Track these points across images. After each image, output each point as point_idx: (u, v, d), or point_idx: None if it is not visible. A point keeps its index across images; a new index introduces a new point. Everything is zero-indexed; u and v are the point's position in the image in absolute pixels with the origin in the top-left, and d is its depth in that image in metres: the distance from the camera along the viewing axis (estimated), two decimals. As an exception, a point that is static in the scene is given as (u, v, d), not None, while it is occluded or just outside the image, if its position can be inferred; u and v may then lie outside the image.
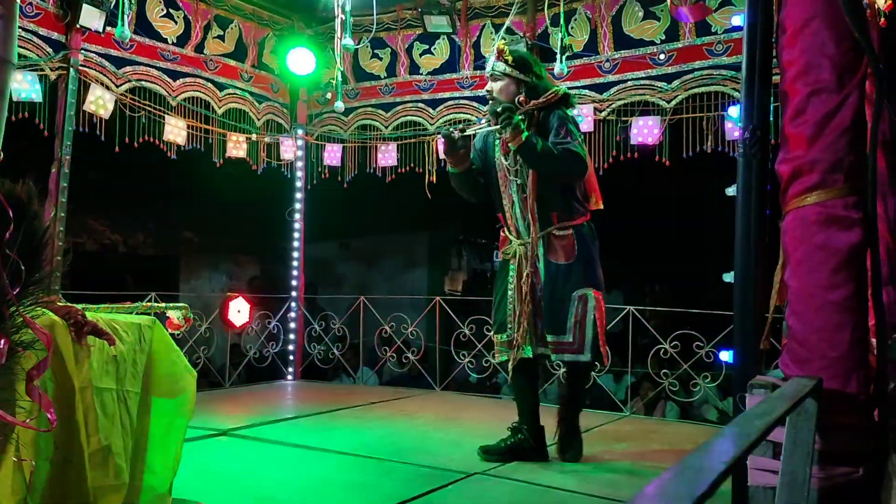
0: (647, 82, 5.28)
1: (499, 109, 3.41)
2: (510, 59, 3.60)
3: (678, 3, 3.16)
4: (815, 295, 1.19)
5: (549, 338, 3.52)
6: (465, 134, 3.61)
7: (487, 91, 3.69)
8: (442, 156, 4.88)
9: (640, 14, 5.27)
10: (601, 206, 3.73)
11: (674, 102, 5.16)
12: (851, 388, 1.24)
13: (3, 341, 1.57)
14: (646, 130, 5.24)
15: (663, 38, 5.20)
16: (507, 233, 3.72)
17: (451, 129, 3.62)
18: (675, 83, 5.16)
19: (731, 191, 1.37)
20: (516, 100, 3.55)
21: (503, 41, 3.90)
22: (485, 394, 6.45)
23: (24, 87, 4.60)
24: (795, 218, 1.22)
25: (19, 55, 4.59)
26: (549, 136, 3.48)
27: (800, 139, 1.19)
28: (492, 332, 3.77)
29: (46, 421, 1.73)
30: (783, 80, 1.24)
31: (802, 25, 1.18)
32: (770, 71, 1.24)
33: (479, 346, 5.79)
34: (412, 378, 7.02)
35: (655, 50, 5.24)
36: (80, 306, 2.30)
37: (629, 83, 5.33)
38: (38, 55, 4.74)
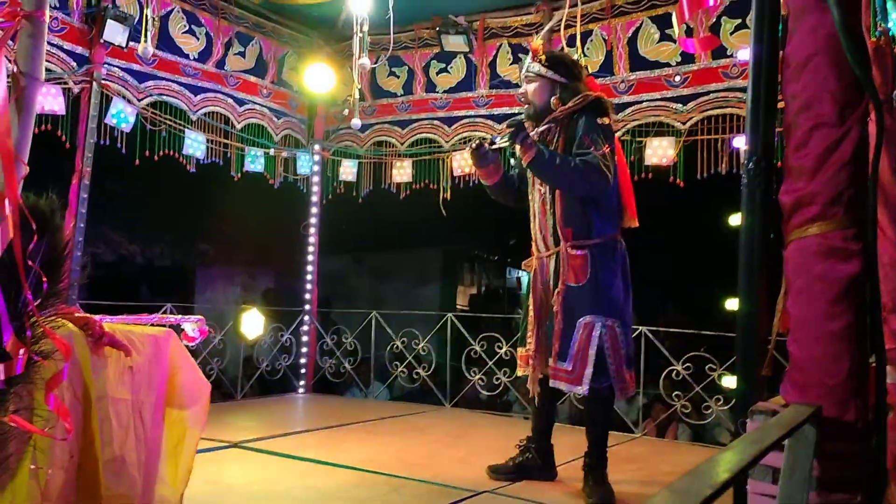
0: (662, 103, 5.31)
1: (507, 125, 3.33)
2: (544, 58, 3.42)
3: (685, 35, 3.22)
4: (815, 324, 1.21)
5: (549, 361, 3.35)
6: (494, 147, 3.50)
7: (521, 94, 3.55)
8: (473, 168, 4.80)
9: (656, 36, 5.30)
10: (635, 224, 3.52)
11: (689, 124, 5.18)
12: (849, 415, 1.25)
13: (21, 351, 1.60)
14: (660, 151, 5.25)
15: (679, 59, 5.23)
16: (533, 245, 3.59)
17: (481, 141, 3.51)
18: (691, 105, 5.18)
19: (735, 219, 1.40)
20: (551, 102, 3.39)
21: (540, 40, 3.69)
22: (495, 411, 6.44)
23: (48, 99, 4.69)
24: (797, 248, 1.24)
25: (45, 69, 4.68)
26: (573, 148, 3.30)
27: (801, 171, 1.22)
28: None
29: (63, 430, 1.77)
30: (787, 113, 1.27)
31: (806, 61, 1.20)
32: (775, 103, 1.27)
33: (490, 363, 5.79)
34: (423, 394, 7.02)
35: (671, 72, 5.27)
36: (97, 317, 2.34)
37: (644, 104, 5.35)
38: (62, 69, 4.83)
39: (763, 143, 1.23)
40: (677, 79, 5.24)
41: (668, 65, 5.27)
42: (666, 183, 5.28)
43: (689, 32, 4.88)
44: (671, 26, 5.23)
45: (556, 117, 3.38)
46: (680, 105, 5.23)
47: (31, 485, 1.86)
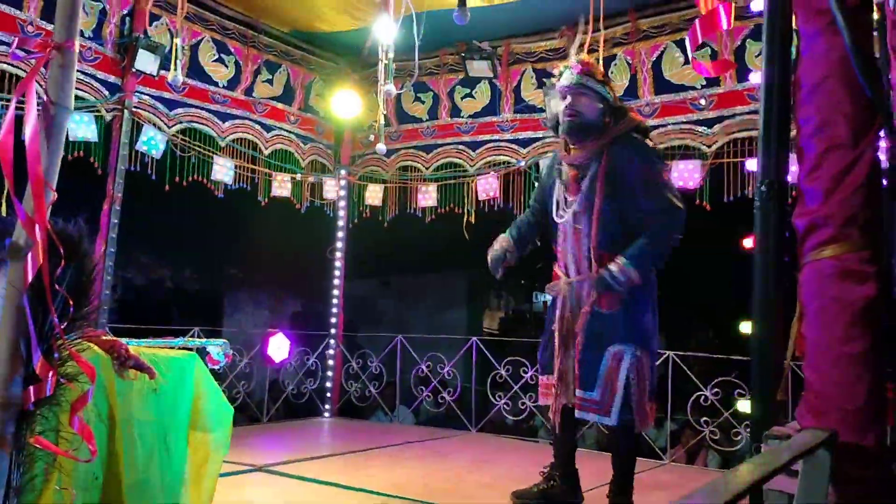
0: (687, 126, 5.29)
1: (595, 288, 3.20)
2: (597, 73, 3.30)
3: (699, 59, 3.20)
4: (832, 347, 1.19)
5: (577, 392, 3.21)
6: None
7: (568, 106, 3.28)
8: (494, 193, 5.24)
9: (681, 59, 5.29)
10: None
11: (714, 147, 5.14)
12: (868, 441, 1.22)
13: (50, 374, 1.63)
14: (686, 174, 5.22)
15: (704, 83, 5.21)
16: (557, 268, 3.45)
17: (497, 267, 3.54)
18: (716, 128, 5.15)
19: (748, 243, 1.39)
20: (602, 119, 3.24)
21: (588, 55, 3.61)
22: (521, 436, 6.38)
23: (81, 127, 4.81)
24: (812, 271, 1.23)
25: (77, 97, 4.81)
26: (625, 177, 3.16)
27: (815, 194, 1.21)
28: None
29: (87, 452, 1.79)
30: (799, 135, 1.26)
31: (818, 83, 1.20)
32: (787, 125, 1.26)
33: (516, 387, 5.75)
34: (448, 418, 6.98)
35: (696, 94, 5.25)
36: (124, 340, 2.37)
37: (669, 127, 5.33)
38: (94, 97, 4.95)
39: (775, 166, 1.22)
40: (702, 102, 5.22)
41: (693, 88, 5.26)
42: (693, 206, 5.24)
43: (712, 56, 4.88)
44: (696, 49, 5.23)
45: (602, 138, 3.23)
46: (705, 128, 5.20)
47: (56, 506, 1.88)
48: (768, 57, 1.24)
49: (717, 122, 5.14)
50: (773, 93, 1.23)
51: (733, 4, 2.24)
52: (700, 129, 5.23)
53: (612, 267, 3.11)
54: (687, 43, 2.37)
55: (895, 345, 1.29)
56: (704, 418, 5.03)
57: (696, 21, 1.24)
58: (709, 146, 5.17)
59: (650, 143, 3.32)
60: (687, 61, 5.25)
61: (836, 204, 1.19)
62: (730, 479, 0.90)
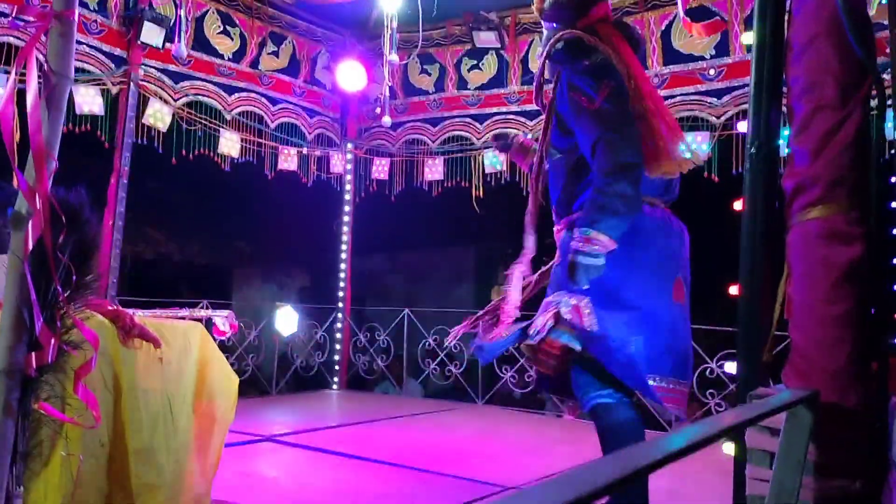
0: (696, 97, 5.23)
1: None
2: (540, 7, 2.65)
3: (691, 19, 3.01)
4: (816, 308, 1.19)
5: None
6: (507, 142, 3.11)
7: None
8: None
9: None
10: (671, 169, 2.44)
11: (723, 118, 5.10)
12: (849, 401, 1.23)
13: (52, 341, 1.64)
14: (695, 146, 5.17)
15: (713, 53, 5.15)
16: None
17: (496, 141, 3.25)
18: (726, 98, 5.10)
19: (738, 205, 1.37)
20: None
21: None
22: (529, 409, 6.41)
23: (87, 101, 4.81)
24: (799, 232, 1.22)
25: (84, 70, 4.81)
26: (560, 109, 2.56)
27: (803, 154, 1.20)
28: None
29: (92, 418, 1.81)
30: (789, 96, 1.25)
31: (807, 44, 1.18)
32: (779, 87, 1.25)
33: (522, 360, 5.77)
34: (456, 391, 7.02)
35: (705, 65, 5.19)
36: (129, 311, 2.39)
37: (678, 98, 5.28)
38: (100, 70, 4.95)
39: (766, 128, 1.21)
40: (712, 72, 5.17)
41: (702, 58, 5.20)
42: (701, 178, 5.20)
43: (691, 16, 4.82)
44: (705, 18, 5.16)
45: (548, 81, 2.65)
46: (715, 99, 5.15)
47: (64, 472, 1.92)
48: (760, 16, 1.23)
49: (727, 94, 5.09)
50: (764, 53, 1.21)
51: None
52: (709, 99, 5.17)
53: (575, 242, 2.36)
54: (679, 3, 2.27)
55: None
56: (710, 391, 5.05)
57: None
58: (717, 117, 5.12)
59: (589, 61, 2.47)
60: (699, 29, 5.19)
61: (823, 165, 1.18)
62: (710, 423, 0.91)
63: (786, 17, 1.22)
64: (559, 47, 2.54)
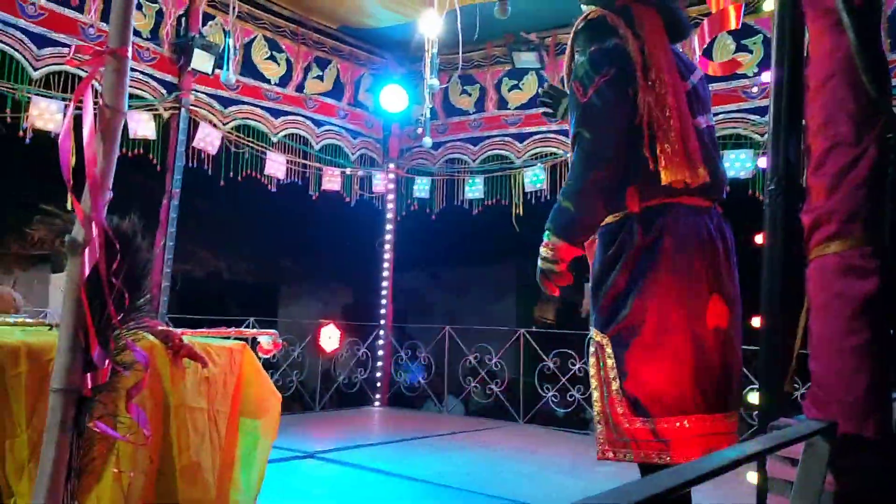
0: (739, 115, 5.20)
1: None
2: None
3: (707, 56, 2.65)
4: (834, 340, 1.19)
5: None
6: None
7: None
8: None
9: (732, 47, 5.20)
10: (685, 177, 2.14)
11: (767, 136, 5.04)
12: (868, 430, 1.22)
13: (107, 362, 1.72)
14: (738, 164, 5.13)
15: (756, 70, 5.11)
16: None
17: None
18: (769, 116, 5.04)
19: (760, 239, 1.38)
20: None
21: None
22: (572, 429, 6.38)
23: (140, 125, 4.99)
24: (817, 266, 1.23)
25: (137, 96, 5.00)
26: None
27: (820, 190, 1.21)
28: None
29: (142, 436, 1.89)
30: (806, 133, 1.27)
31: (823, 82, 1.20)
32: (798, 125, 1.27)
33: (563, 379, 5.76)
34: (498, 409, 7.02)
35: (748, 83, 5.15)
36: (178, 331, 2.48)
37: (720, 116, 5.24)
38: (153, 96, 5.14)
39: (785, 163, 1.23)
40: (755, 90, 5.12)
41: (744, 76, 5.16)
42: (745, 196, 5.15)
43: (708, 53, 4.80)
44: (748, 37, 5.13)
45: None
46: (757, 117, 5.10)
47: (115, 487, 2.00)
48: (778, 55, 1.25)
49: (770, 111, 5.03)
50: (782, 90, 1.24)
51: (743, 4, 2.18)
52: (752, 117, 5.13)
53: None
54: (695, 42, 2.11)
55: None
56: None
57: (705, 20, 1.22)
58: (761, 135, 5.07)
59: (596, 47, 2.27)
60: (739, 49, 5.17)
61: (838, 200, 1.19)
62: (730, 451, 0.93)
63: (804, 57, 1.24)
64: (579, 28, 2.34)
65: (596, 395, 2.21)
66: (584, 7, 2.41)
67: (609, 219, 2.26)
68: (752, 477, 1.34)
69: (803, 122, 1.28)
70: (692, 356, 2.07)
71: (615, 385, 2.16)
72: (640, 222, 2.19)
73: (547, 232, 2.25)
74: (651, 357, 2.10)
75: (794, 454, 1.14)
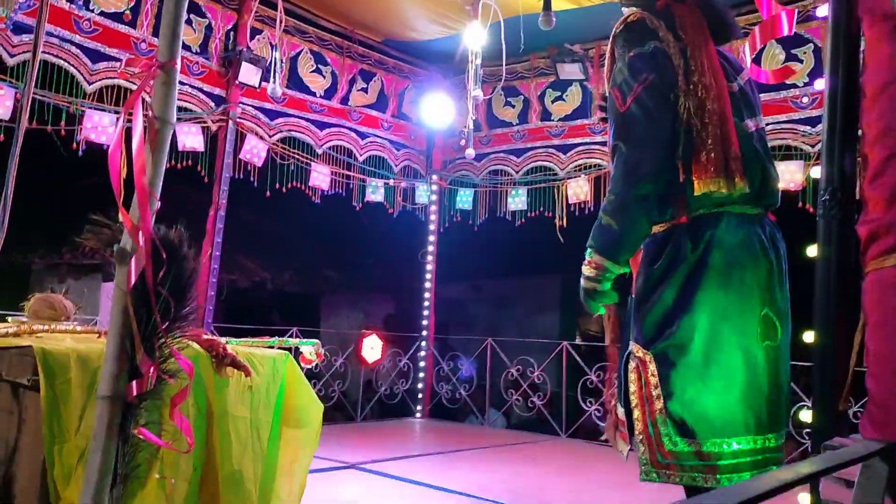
0: (788, 126, 5.08)
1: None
2: None
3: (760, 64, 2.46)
4: (893, 358, 1.13)
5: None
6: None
7: None
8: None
9: (782, 56, 5.09)
10: (717, 189, 2.06)
11: (818, 146, 4.91)
12: None
13: (152, 370, 1.75)
14: (787, 175, 5.01)
15: (807, 80, 4.99)
16: None
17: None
18: (819, 127, 4.91)
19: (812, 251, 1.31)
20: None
21: None
22: (614, 444, 6.26)
23: (189, 138, 5.10)
24: (874, 279, 1.17)
25: (186, 109, 5.11)
26: None
27: (878, 201, 1.16)
28: None
29: (185, 443, 1.91)
30: (863, 143, 1.22)
31: (881, 90, 1.15)
32: (854, 134, 1.22)
33: (607, 393, 5.66)
34: (540, 422, 6.95)
35: (798, 92, 5.04)
36: (222, 340, 2.51)
37: (770, 127, 5.12)
38: (201, 109, 5.24)
39: (839, 174, 1.18)
40: (805, 100, 5.01)
41: (794, 86, 5.04)
42: (795, 209, 5.02)
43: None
44: (798, 46, 5.02)
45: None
46: (808, 127, 4.98)
47: (158, 493, 2.02)
48: (832, 62, 1.21)
49: (821, 122, 4.90)
50: (836, 99, 1.19)
51: (796, 10, 2.11)
52: (803, 128, 5.01)
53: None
54: (747, 48, 1.98)
55: None
56: (808, 430, 4.81)
57: (757, 26, 1.18)
58: (812, 146, 4.95)
59: (635, 52, 2.17)
60: (789, 58, 5.05)
61: (898, 212, 1.15)
62: (782, 472, 0.89)
63: (860, 64, 1.20)
64: (618, 31, 2.25)
65: (637, 413, 2.12)
66: (624, 9, 2.34)
67: (655, 228, 2.17)
68: (805, 499, 1.29)
69: (859, 131, 1.23)
70: (743, 376, 2.00)
71: (658, 405, 2.07)
72: (688, 234, 2.10)
73: (589, 250, 2.18)
74: (700, 377, 2.02)
75: (849, 476, 1.09)
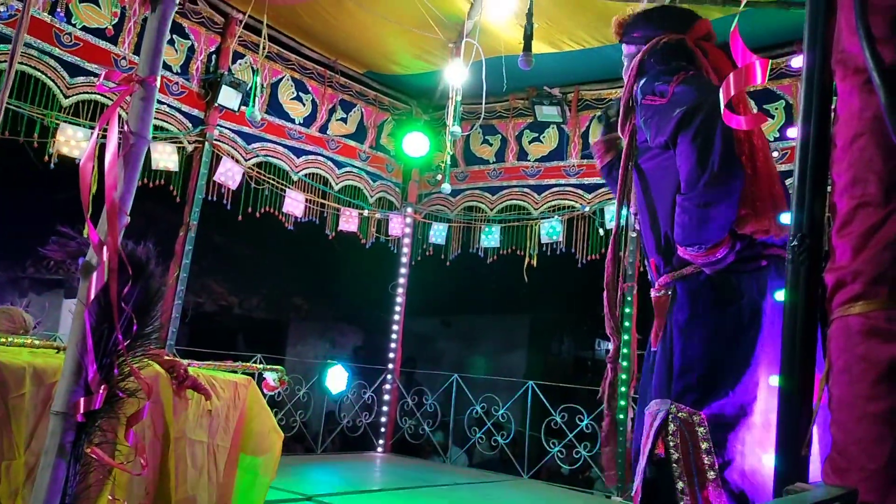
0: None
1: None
2: (620, 31, 2.37)
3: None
4: (856, 405, 1.15)
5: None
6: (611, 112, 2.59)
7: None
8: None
9: (754, 110, 5.22)
10: (762, 228, 1.92)
11: (792, 192, 5.02)
12: (890, 501, 1.17)
13: (102, 387, 1.70)
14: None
15: (777, 135, 5.12)
16: None
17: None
18: (790, 181, 5.04)
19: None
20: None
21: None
22: (576, 487, 6.24)
23: (163, 157, 5.06)
24: (839, 327, 1.20)
25: (162, 128, 5.08)
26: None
27: (845, 250, 1.19)
28: None
29: (139, 465, 1.86)
30: (832, 192, 1.26)
31: (851, 141, 1.19)
32: (824, 183, 1.25)
33: (570, 435, 5.65)
34: (502, 462, 6.90)
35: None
36: (185, 361, 2.47)
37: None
38: (178, 129, 5.22)
39: (808, 220, 1.21)
40: (775, 154, 5.12)
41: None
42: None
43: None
44: (770, 101, 5.16)
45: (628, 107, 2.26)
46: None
47: (108, 517, 1.96)
48: (805, 111, 1.25)
49: (792, 174, 5.03)
50: (808, 147, 1.23)
51: (770, 60, 2.18)
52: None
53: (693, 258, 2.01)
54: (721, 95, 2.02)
55: None
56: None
57: (731, 74, 1.21)
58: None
59: (672, 65, 2.12)
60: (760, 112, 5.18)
61: (864, 261, 1.17)
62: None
63: (832, 115, 1.24)
64: (657, 48, 2.16)
65: (681, 485, 1.87)
66: (628, 51, 2.31)
67: (697, 269, 1.97)
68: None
69: (829, 180, 1.27)
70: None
71: (712, 474, 1.83)
72: (740, 278, 1.92)
73: (697, 245, 1.91)
74: (765, 441, 1.79)
75: (810, 522, 1.10)
